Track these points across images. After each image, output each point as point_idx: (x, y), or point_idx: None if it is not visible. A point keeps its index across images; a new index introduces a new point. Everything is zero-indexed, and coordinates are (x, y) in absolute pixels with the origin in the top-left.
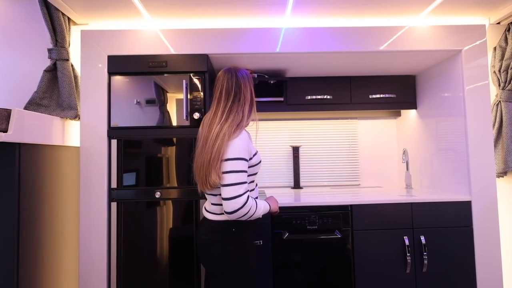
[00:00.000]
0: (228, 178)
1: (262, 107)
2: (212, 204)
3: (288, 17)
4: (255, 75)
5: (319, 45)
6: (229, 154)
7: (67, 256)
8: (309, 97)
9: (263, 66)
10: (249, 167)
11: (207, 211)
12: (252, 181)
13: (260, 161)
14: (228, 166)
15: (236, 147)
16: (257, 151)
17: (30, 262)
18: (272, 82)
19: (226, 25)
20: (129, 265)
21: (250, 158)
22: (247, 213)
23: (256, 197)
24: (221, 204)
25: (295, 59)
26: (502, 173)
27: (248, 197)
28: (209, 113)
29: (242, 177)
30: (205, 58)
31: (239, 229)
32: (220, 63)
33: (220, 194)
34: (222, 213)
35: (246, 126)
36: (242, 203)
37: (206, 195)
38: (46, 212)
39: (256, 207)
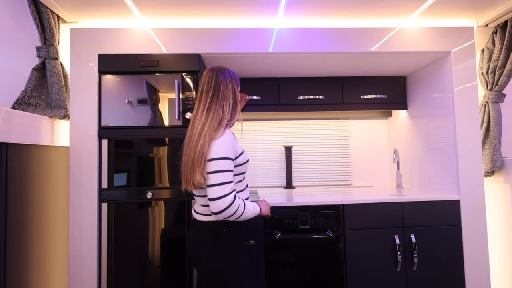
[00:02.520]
0: (213, 178)
1: (255, 107)
2: (202, 205)
3: (280, 18)
4: (247, 98)
5: (311, 45)
6: (213, 154)
7: (56, 258)
8: (301, 97)
9: (256, 66)
10: (235, 166)
11: (196, 212)
12: (240, 181)
13: (247, 160)
14: (212, 166)
15: (220, 146)
16: (243, 151)
17: (18, 264)
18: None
19: (219, 25)
20: (120, 267)
21: (236, 157)
22: (234, 213)
23: (247, 198)
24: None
25: (287, 59)
26: (490, 173)
27: (234, 196)
28: (193, 111)
29: (228, 176)
30: (197, 57)
31: (229, 229)
32: (213, 63)
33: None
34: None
35: (231, 126)
36: (228, 203)
37: (195, 197)
38: (35, 214)
39: (244, 208)
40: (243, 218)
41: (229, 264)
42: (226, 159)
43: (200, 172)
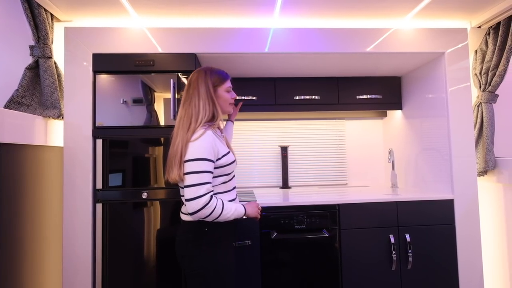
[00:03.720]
0: (189, 179)
1: (251, 107)
2: (184, 205)
3: (276, 18)
4: (241, 98)
5: (307, 45)
6: (189, 155)
7: (50, 260)
8: (297, 98)
9: (252, 66)
10: (218, 167)
11: (182, 212)
12: (225, 182)
13: (232, 161)
14: (188, 167)
15: (196, 148)
16: (229, 151)
17: (11, 265)
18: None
19: (214, 25)
20: (115, 268)
21: (219, 159)
22: (210, 214)
23: (233, 199)
24: None
25: (283, 59)
26: (483, 172)
27: (210, 197)
28: None
29: (203, 177)
30: (193, 57)
31: (212, 228)
32: (209, 63)
33: None
34: None
35: (213, 126)
36: (202, 204)
37: (181, 197)
38: (28, 215)
39: (222, 209)
40: (222, 219)
41: (211, 264)
42: (203, 160)
43: (176, 170)
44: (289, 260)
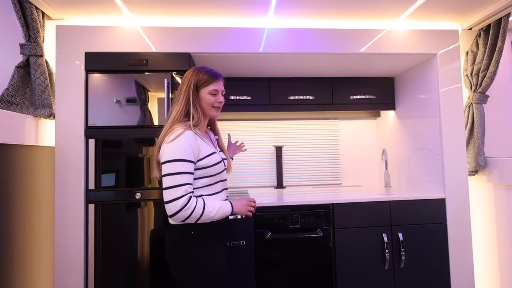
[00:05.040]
0: (165, 181)
1: (246, 107)
2: None
3: (271, 18)
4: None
5: (301, 46)
6: (165, 157)
7: (41, 261)
8: (292, 98)
9: (246, 66)
10: (200, 168)
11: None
12: (211, 184)
13: (217, 162)
14: (165, 169)
15: (172, 148)
16: (214, 152)
17: (1, 267)
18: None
19: (209, 24)
20: (107, 270)
21: (200, 159)
22: (190, 215)
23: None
24: None
25: (278, 59)
26: (474, 172)
27: (189, 199)
28: None
29: (180, 179)
30: (187, 56)
31: (198, 231)
32: (203, 62)
33: None
34: None
35: (196, 127)
36: (180, 206)
37: None
38: (19, 216)
39: (204, 210)
40: (205, 219)
41: (200, 267)
42: (179, 161)
43: (158, 170)
44: (284, 259)
